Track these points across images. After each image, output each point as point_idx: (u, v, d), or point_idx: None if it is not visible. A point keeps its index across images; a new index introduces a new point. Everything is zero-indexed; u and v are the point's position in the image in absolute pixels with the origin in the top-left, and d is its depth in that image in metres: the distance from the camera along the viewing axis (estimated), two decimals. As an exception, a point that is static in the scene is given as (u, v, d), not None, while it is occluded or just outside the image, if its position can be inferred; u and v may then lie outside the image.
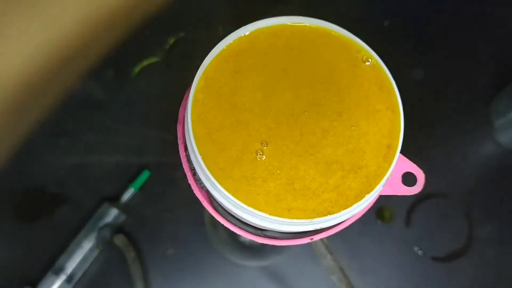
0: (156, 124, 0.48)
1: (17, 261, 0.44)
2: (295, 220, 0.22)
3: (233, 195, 0.22)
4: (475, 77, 0.52)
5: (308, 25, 0.26)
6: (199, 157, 0.23)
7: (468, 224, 0.46)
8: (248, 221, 0.23)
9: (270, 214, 0.22)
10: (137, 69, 0.50)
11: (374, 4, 0.56)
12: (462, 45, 0.54)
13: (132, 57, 0.51)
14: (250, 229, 0.26)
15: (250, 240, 0.36)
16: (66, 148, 0.48)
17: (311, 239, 0.26)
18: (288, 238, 0.26)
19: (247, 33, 0.26)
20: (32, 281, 0.42)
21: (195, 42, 0.51)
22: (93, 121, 0.49)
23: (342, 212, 0.23)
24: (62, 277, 0.42)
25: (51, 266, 0.42)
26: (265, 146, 0.24)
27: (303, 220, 0.22)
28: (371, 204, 0.25)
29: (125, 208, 0.45)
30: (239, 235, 0.27)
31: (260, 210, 0.22)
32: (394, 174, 0.26)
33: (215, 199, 0.24)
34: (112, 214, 0.44)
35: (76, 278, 0.43)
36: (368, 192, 0.23)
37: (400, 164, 0.26)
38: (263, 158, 0.24)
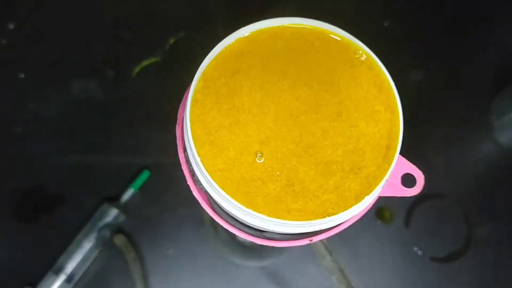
0: (156, 124, 0.48)
1: (17, 261, 0.44)
2: (294, 222, 0.22)
3: (232, 196, 0.22)
4: (475, 77, 0.52)
5: (307, 26, 0.26)
6: (198, 159, 0.23)
7: (467, 225, 0.46)
8: (247, 222, 0.23)
9: (269, 216, 0.22)
10: (137, 69, 0.50)
11: (374, 4, 0.56)
12: (462, 45, 0.54)
13: (132, 57, 0.51)
14: (249, 231, 0.26)
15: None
16: (66, 148, 0.48)
17: (311, 240, 0.26)
18: (287, 240, 0.26)
19: (246, 34, 0.26)
20: (32, 281, 0.42)
21: (195, 42, 0.51)
22: (93, 121, 0.49)
23: (342, 213, 0.23)
24: (62, 277, 0.42)
25: (51, 266, 0.42)
26: (264, 147, 0.24)
27: (303, 222, 0.22)
28: (371, 205, 0.25)
29: (125, 208, 0.45)
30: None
31: (259, 212, 0.22)
32: (393, 175, 0.26)
33: (214, 201, 0.24)
34: (112, 214, 0.44)
35: (76, 278, 0.43)
36: (368, 193, 0.23)
37: (400, 165, 0.26)
38: (262, 160, 0.23)
